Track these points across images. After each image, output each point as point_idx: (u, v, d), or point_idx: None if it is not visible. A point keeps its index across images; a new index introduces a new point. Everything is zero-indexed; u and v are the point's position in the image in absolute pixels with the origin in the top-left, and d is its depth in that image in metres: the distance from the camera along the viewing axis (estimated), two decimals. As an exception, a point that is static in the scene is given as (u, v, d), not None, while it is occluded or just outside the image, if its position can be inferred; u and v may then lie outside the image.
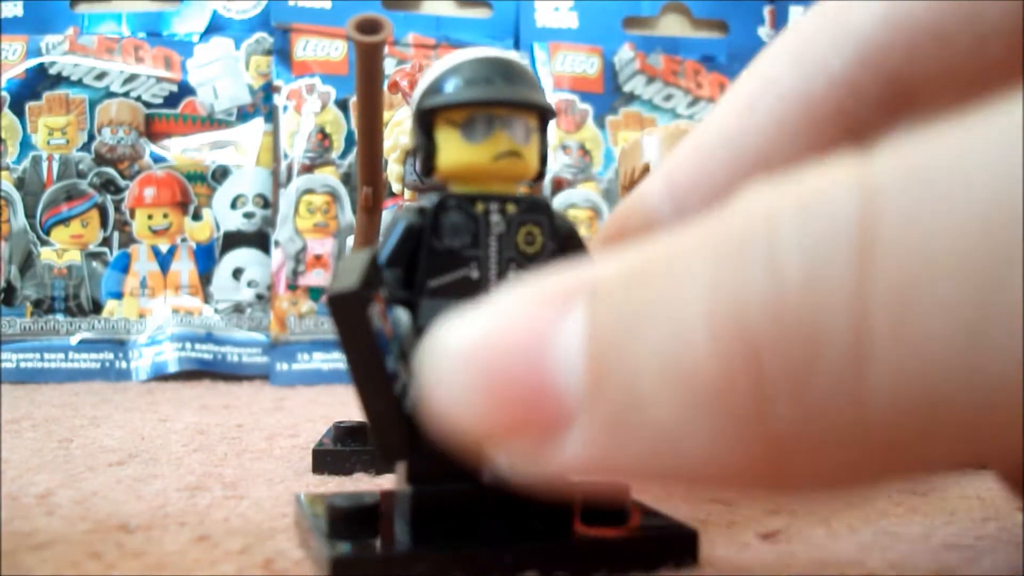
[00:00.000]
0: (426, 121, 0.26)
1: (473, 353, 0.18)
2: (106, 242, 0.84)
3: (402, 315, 0.24)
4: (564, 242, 0.26)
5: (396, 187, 0.43)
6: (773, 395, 0.14)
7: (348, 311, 0.22)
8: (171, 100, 0.87)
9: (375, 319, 0.22)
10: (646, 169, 0.43)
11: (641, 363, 0.15)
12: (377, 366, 0.22)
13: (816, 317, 0.13)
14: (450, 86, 0.25)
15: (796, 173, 0.15)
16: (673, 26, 0.99)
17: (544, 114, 0.26)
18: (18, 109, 0.84)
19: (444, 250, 0.25)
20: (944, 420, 0.13)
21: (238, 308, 0.84)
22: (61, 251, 0.83)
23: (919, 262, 0.13)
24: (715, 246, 0.15)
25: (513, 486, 0.22)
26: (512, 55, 0.26)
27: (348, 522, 0.25)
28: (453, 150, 0.25)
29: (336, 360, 0.82)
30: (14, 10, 0.89)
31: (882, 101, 0.22)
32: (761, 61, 0.25)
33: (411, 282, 0.25)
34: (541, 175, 0.27)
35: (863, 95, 0.23)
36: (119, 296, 0.83)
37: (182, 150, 0.86)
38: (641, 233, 0.25)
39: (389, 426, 0.23)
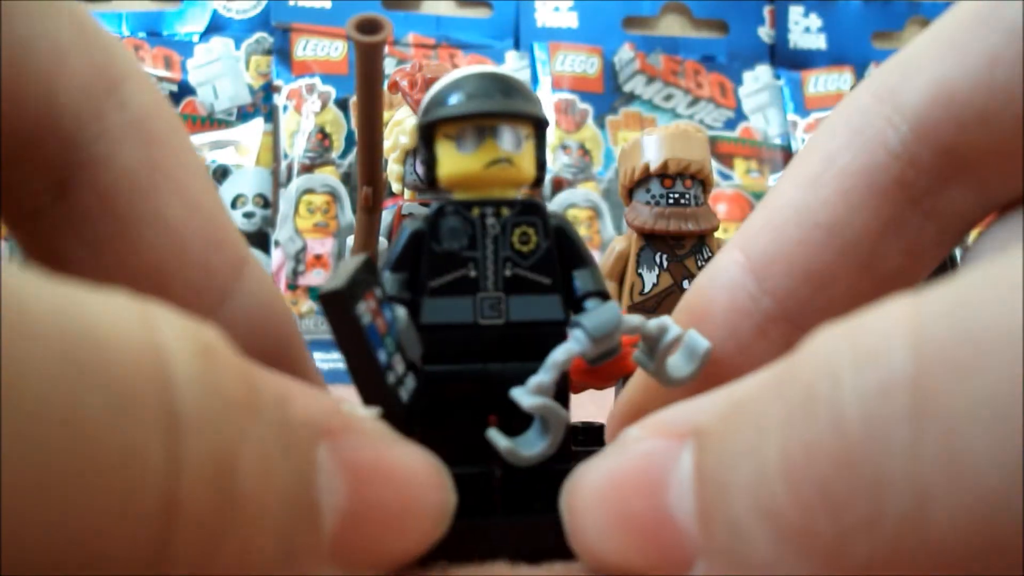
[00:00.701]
0: (427, 136, 0.28)
1: (603, 494, 0.21)
2: (106, 242, 0.84)
3: (400, 312, 0.26)
4: (557, 239, 0.28)
5: (396, 187, 0.43)
6: (851, 533, 0.16)
7: (336, 308, 0.24)
8: (171, 100, 0.87)
9: (364, 316, 0.24)
10: (646, 169, 0.43)
11: (739, 506, 0.17)
12: (368, 358, 0.25)
13: (879, 467, 0.15)
14: (446, 102, 0.28)
15: (854, 318, 0.17)
16: (673, 26, 0.99)
17: (537, 122, 0.28)
18: (18, 109, 0.84)
19: (443, 252, 0.28)
20: (1000, 544, 0.15)
21: (238, 308, 0.84)
22: (61, 251, 0.83)
23: (965, 414, 0.15)
24: (788, 399, 0.17)
25: (520, 469, 0.25)
26: (503, 70, 0.29)
27: None
28: (449, 161, 0.28)
29: (336, 360, 0.81)
30: (14, 10, 0.89)
31: (938, 171, 0.24)
32: (820, 137, 0.27)
33: (415, 284, 0.28)
34: (540, 180, 0.29)
35: (920, 166, 0.24)
36: (119, 296, 0.83)
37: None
38: (725, 304, 0.28)
39: (384, 415, 0.26)
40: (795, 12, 1.00)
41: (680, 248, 0.43)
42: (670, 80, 0.94)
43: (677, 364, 0.28)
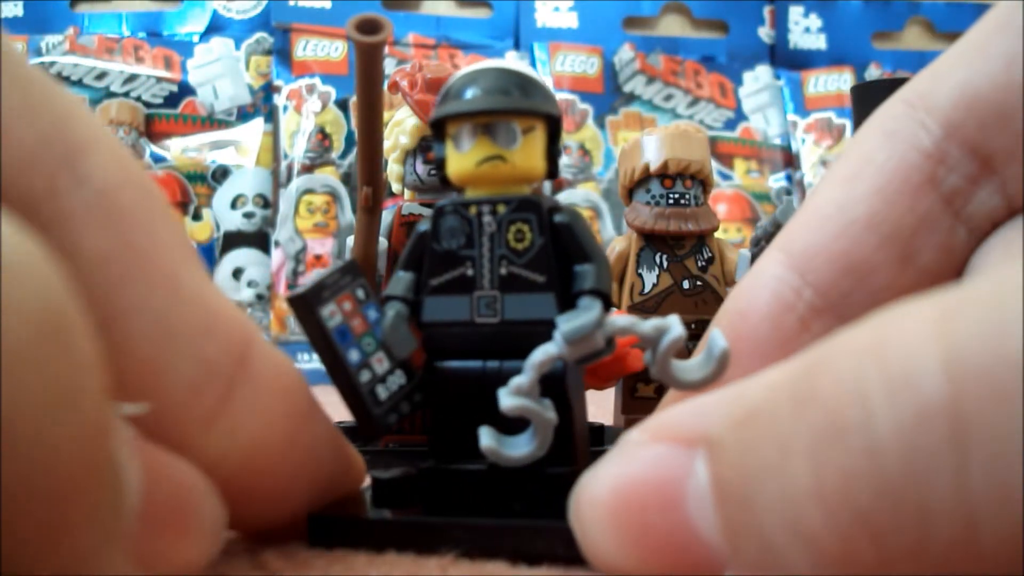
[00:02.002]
0: (439, 135, 0.28)
1: (615, 505, 0.20)
2: (106, 242, 0.84)
3: (389, 312, 0.27)
4: (557, 235, 0.27)
5: (396, 187, 0.43)
6: (896, 558, 0.16)
7: (301, 311, 0.26)
8: (171, 100, 0.87)
9: (332, 318, 0.26)
10: (646, 169, 0.43)
11: (768, 524, 0.17)
12: (335, 357, 0.26)
13: (924, 496, 0.15)
14: (445, 101, 0.28)
15: (874, 333, 0.17)
16: (673, 26, 0.99)
17: (544, 116, 0.28)
18: (18, 109, 0.84)
19: (442, 252, 0.28)
20: None
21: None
22: (61, 251, 0.83)
23: (1009, 436, 0.14)
24: (812, 421, 0.17)
25: (517, 469, 0.25)
26: (511, 65, 0.28)
27: (389, 492, 0.27)
28: (451, 160, 0.28)
29: (336, 360, 0.82)
30: (14, 10, 0.89)
31: (967, 171, 0.25)
32: (856, 143, 0.28)
33: (418, 282, 0.28)
34: (552, 173, 0.28)
35: (951, 165, 0.25)
36: (119, 296, 0.83)
37: (182, 150, 0.86)
38: (769, 300, 0.28)
39: (355, 407, 0.27)
40: (795, 12, 1.00)
41: (680, 248, 0.43)
42: (670, 80, 0.94)
43: (690, 366, 0.27)
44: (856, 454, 0.16)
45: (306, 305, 0.26)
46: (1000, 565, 0.15)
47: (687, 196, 0.43)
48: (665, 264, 0.43)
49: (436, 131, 0.28)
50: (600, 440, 0.42)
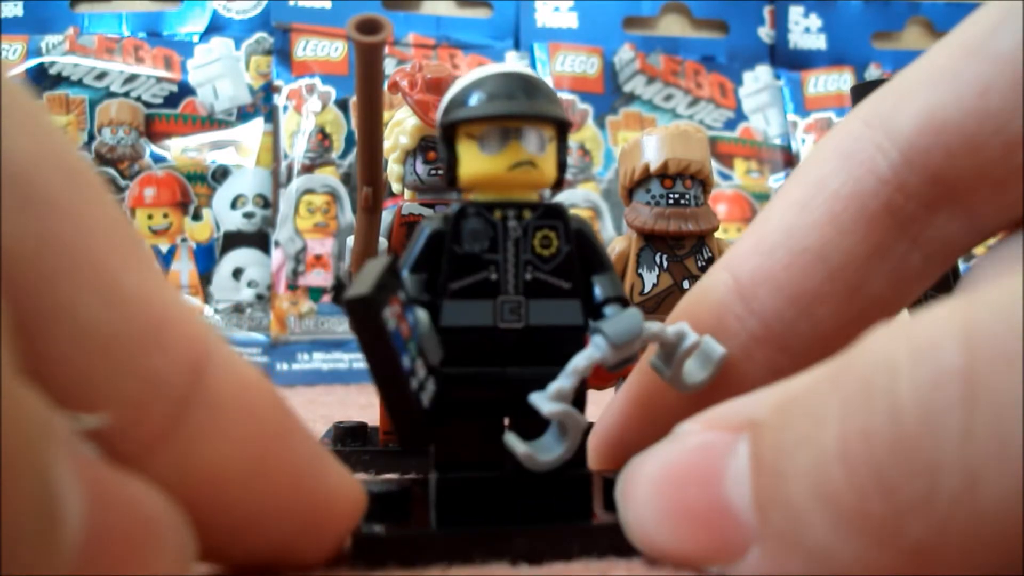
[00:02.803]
0: (448, 135, 0.28)
1: (660, 485, 0.22)
2: (106, 242, 0.84)
3: (422, 316, 0.26)
4: (579, 244, 0.28)
5: (396, 187, 0.43)
6: (904, 513, 0.17)
7: (364, 314, 0.23)
8: (171, 100, 0.87)
9: (390, 321, 0.24)
10: (646, 169, 0.43)
11: (796, 492, 0.18)
12: (394, 365, 0.24)
13: (933, 451, 0.16)
14: (469, 102, 0.27)
15: (911, 318, 0.18)
16: (673, 26, 0.99)
17: (560, 124, 0.28)
18: (18, 109, 0.84)
19: (464, 255, 0.27)
20: None
21: (238, 308, 0.84)
22: (61, 251, 0.83)
23: (1014, 400, 0.16)
24: (844, 390, 0.18)
25: (533, 473, 0.25)
26: (528, 70, 0.28)
27: (381, 506, 0.26)
28: (472, 161, 0.27)
29: (336, 360, 0.81)
30: (14, 10, 0.89)
31: (927, 198, 0.25)
32: (810, 163, 0.27)
33: (434, 285, 0.27)
34: (560, 182, 0.29)
35: (909, 193, 0.25)
36: (119, 296, 0.83)
37: (182, 150, 0.86)
38: (711, 325, 0.28)
39: (407, 420, 0.25)
40: (795, 12, 1.00)
41: (680, 248, 0.43)
42: (670, 80, 0.94)
43: (691, 370, 0.28)
44: (879, 415, 0.17)
45: (371, 307, 0.23)
46: (1000, 526, 0.16)
47: (687, 196, 0.43)
48: (665, 264, 0.43)
49: (449, 130, 0.28)
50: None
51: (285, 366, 0.80)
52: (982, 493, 0.16)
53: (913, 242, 0.25)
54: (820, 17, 1.00)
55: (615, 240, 0.44)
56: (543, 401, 0.25)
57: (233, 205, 0.86)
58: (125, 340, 0.18)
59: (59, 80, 0.85)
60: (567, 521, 0.26)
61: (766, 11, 1.00)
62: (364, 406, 0.65)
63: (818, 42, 1.00)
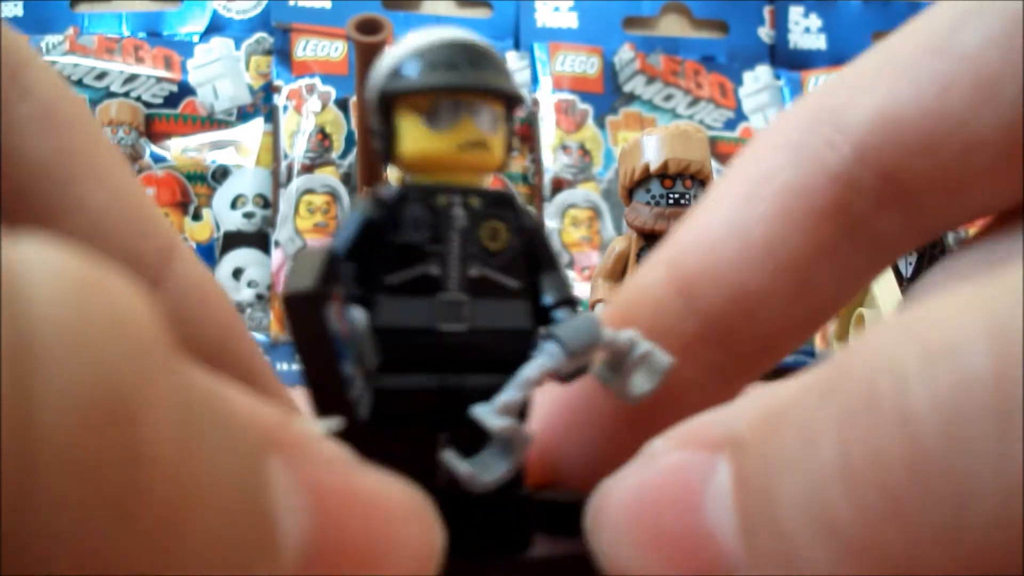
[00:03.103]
0: (386, 106, 0.24)
1: (633, 511, 0.19)
2: (106, 242, 0.84)
3: (359, 315, 0.22)
4: (530, 239, 0.25)
5: None
6: (925, 546, 0.14)
7: (305, 313, 0.20)
8: (171, 100, 0.87)
9: (332, 321, 0.21)
10: (646, 169, 0.43)
11: (787, 516, 0.16)
12: (333, 371, 0.21)
13: (961, 471, 0.14)
14: (413, 70, 0.24)
15: (916, 311, 0.15)
16: (673, 26, 0.99)
17: (511, 101, 0.25)
18: (18, 109, 0.84)
19: (403, 245, 0.23)
20: None
21: (238, 308, 0.84)
22: (61, 251, 0.83)
23: None
24: (843, 400, 0.15)
25: (468, 494, 0.22)
26: (478, 38, 0.25)
27: None
28: (416, 138, 0.24)
29: (336, 360, 0.82)
30: (14, 10, 0.89)
31: (880, 196, 0.23)
32: (753, 155, 0.25)
33: (366, 277, 0.23)
34: (504, 165, 0.26)
35: (861, 190, 0.23)
36: (119, 296, 0.83)
37: (182, 150, 0.86)
38: (649, 323, 0.25)
39: (342, 434, 0.21)
40: (795, 12, 1.00)
41: (680, 248, 0.43)
42: (670, 80, 0.94)
43: (637, 380, 0.25)
44: (888, 426, 0.15)
45: (313, 304, 0.20)
46: None
47: (687, 196, 0.43)
48: (665, 264, 0.43)
49: (389, 100, 0.24)
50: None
51: (285, 366, 0.80)
52: (1021, 512, 0.14)
53: (860, 240, 0.24)
54: (820, 17, 1.00)
55: (615, 240, 0.44)
56: (489, 415, 0.22)
57: (233, 205, 0.86)
58: (123, 227, 0.23)
59: (59, 80, 0.85)
60: (505, 549, 0.24)
61: (766, 11, 1.00)
62: (364, 406, 0.65)
63: (818, 42, 1.00)
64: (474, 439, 0.23)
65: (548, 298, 0.25)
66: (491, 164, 0.25)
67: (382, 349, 0.23)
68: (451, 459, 0.22)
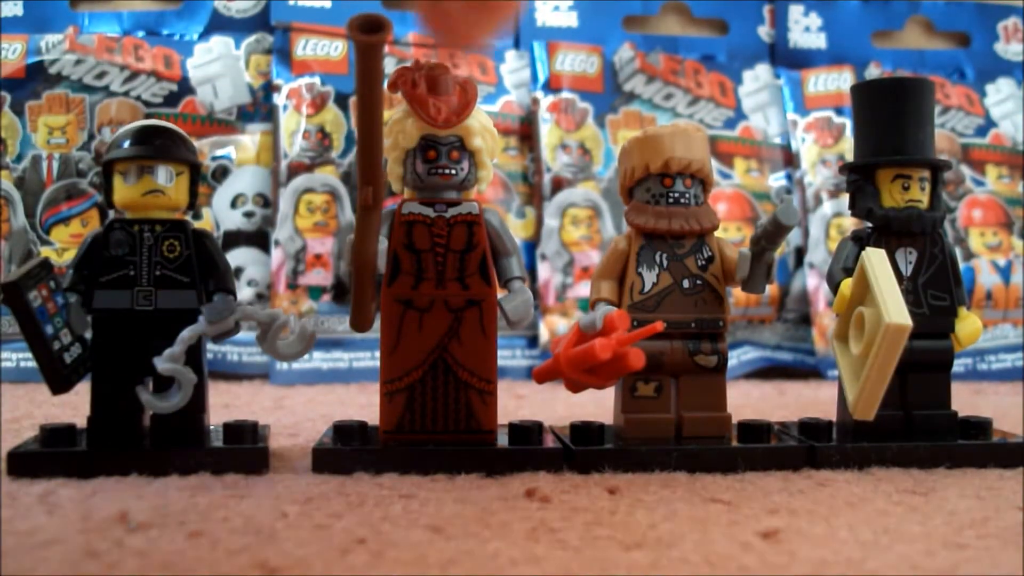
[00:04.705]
0: (107, 170, 0.41)
1: None
2: (106, 241, 0.84)
3: (72, 299, 0.39)
4: (198, 250, 0.41)
5: (396, 186, 0.43)
6: None
7: (12, 294, 0.36)
8: (171, 99, 0.87)
9: (36, 300, 0.37)
10: (646, 168, 0.43)
11: None
12: (37, 331, 0.37)
13: None
14: (119, 146, 0.40)
15: None
16: (673, 25, 0.99)
17: (189, 164, 0.41)
18: (18, 108, 0.84)
19: (111, 257, 0.40)
20: None
21: (238, 307, 0.84)
22: (61, 250, 0.83)
23: None
24: None
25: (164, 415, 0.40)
26: (166, 123, 0.42)
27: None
28: (119, 190, 0.41)
29: (336, 360, 0.81)
30: (14, 9, 0.89)
31: None
32: None
33: (91, 278, 0.40)
34: (191, 205, 0.42)
35: None
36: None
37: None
38: None
39: (50, 371, 0.38)
40: (795, 11, 1.00)
41: (680, 247, 0.43)
42: (670, 79, 0.94)
43: (287, 344, 0.41)
44: None
45: (18, 289, 0.37)
46: None
47: (687, 195, 0.43)
48: (665, 263, 0.43)
49: (106, 166, 0.40)
50: (600, 440, 0.42)
51: (285, 365, 0.80)
52: None
53: None
54: (820, 16, 1.00)
55: (615, 239, 0.44)
56: (159, 362, 0.39)
57: (233, 204, 0.86)
58: None
59: (59, 79, 0.85)
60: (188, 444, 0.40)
61: (766, 10, 1.00)
62: (364, 405, 0.65)
63: (818, 41, 1.00)
64: (170, 382, 0.40)
65: (209, 287, 0.41)
66: (169, 204, 0.41)
67: (100, 322, 0.40)
68: (140, 391, 0.40)
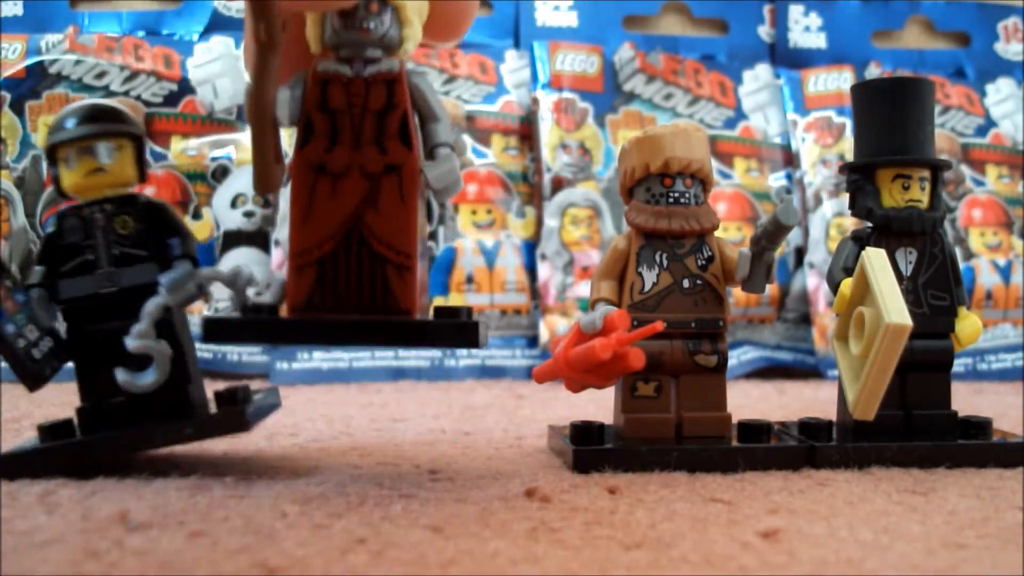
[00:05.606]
0: (52, 160, 0.40)
1: None
2: (106, 241, 0.84)
3: (33, 294, 0.39)
4: (150, 219, 0.39)
5: (314, 47, 0.39)
6: None
7: None
8: (171, 99, 0.87)
9: None
10: (646, 168, 0.43)
11: None
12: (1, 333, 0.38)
13: None
14: (56, 131, 0.39)
15: None
16: (673, 25, 0.99)
17: (132, 136, 0.40)
18: (18, 108, 0.84)
19: (66, 245, 0.40)
20: None
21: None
22: (61, 250, 0.83)
23: None
24: None
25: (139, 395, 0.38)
26: (98, 101, 0.42)
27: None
28: (64, 176, 0.40)
29: (336, 359, 0.81)
30: (14, 9, 0.89)
31: None
32: None
33: (52, 271, 0.39)
34: (141, 178, 0.40)
35: None
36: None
37: (182, 149, 0.86)
38: None
39: (19, 367, 0.38)
40: (795, 11, 1.00)
41: (680, 247, 0.43)
42: (670, 79, 0.94)
43: (263, 299, 0.38)
44: None
45: None
46: None
47: (687, 195, 0.43)
48: (665, 263, 0.43)
49: (50, 158, 0.39)
50: (600, 439, 0.42)
51: (285, 365, 0.80)
52: None
53: None
54: (820, 16, 1.00)
55: (615, 239, 0.44)
56: (129, 340, 0.37)
57: (233, 204, 0.86)
58: None
59: (59, 79, 0.85)
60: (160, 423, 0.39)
61: (766, 10, 1.00)
62: (364, 404, 0.65)
63: (818, 41, 1.00)
64: (145, 359, 0.38)
65: (172, 253, 0.39)
66: (114, 181, 0.40)
67: (69, 312, 0.40)
68: (118, 373, 0.38)
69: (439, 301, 0.84)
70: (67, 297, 0.39)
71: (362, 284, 0.37)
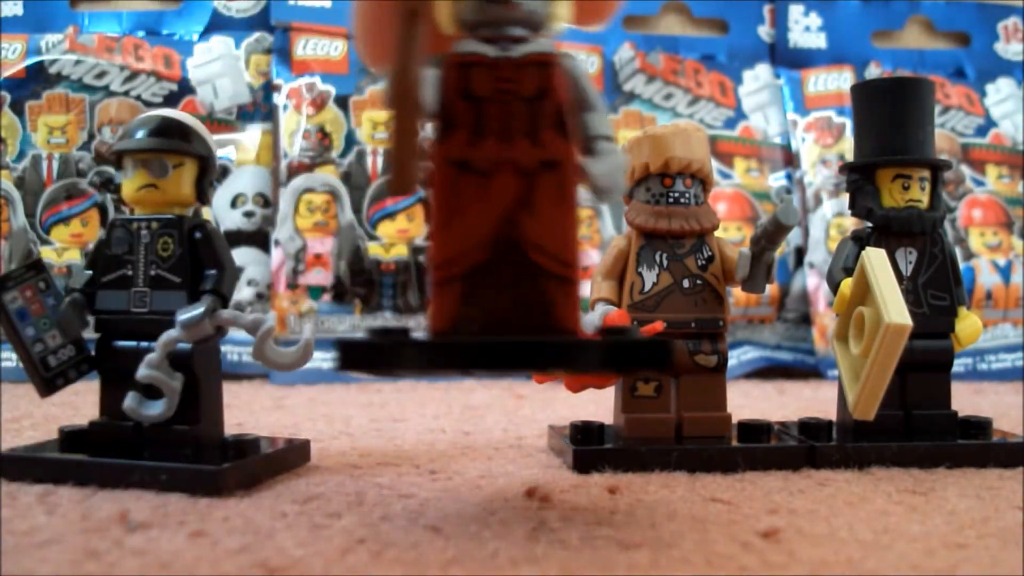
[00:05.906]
0: (118, 164, 0.39)
1: None
2: (106, 241, 0.84)
3: (66, 300, 0.39)
4: (192, 245, 0.38)
5: (448, 27, 0.32)
6: None
7: None
8: (171, 99, 0.87)
9: (16, 302, 0.38)
10: (646, 168, 0.43)
11: None
12: (14, 332, 0.38)
13: None
14: (125, 137, 0.39)
15: None
16: (673, 25, 0.99)
17: (198, 157, 0.39)
18: (18, 108, 0.84)
19: (111, 256, 0.39)
20: None
21: (238, 307, 0.84)
22: (61, 250, 0.83)
23: None
24: None
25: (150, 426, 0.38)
26: (176, 113, 0.40)
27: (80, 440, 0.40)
28: (124, 184, 0.39)
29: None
30: (14, 9, 0.89)
31: None
32: None
33: (96, 279, 0.39)
34: (200, 198, 0.40)
35: None
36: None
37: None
38: None
39: (32, 372, 0.38)
40: (795, 11, 1.00)
41: (680, 247, 0.43)
42: (670, 79, 0.94)
43: (285, 352, 0.38)
44: None
45: None
46: None
47: (687, 195, 0.43)
48: (665, 263, 0.43)
49: (117, 162, 0.39)
50: (600, 439, 0.42)
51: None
52: None
53: None
54: (820, 16, 1.00)
55: (615, 239, 0.44)
56: (141, 368, 0.36)
57: (233, 204, 0.86)
58: None
59: (59, 79, 0.85)
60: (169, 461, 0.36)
61: (766, 10, 1.00)
62: (364, 404, 0.65)
63: (818, 41, 1.00)
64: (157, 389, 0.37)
65: (204, 286, 0.38)
66: (164, 199, 0.39)
67: (102, 324, 0.39)
68: (128, 397, 0.37)
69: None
70: (101, 308, 0.39)
71: (516, 300, 0.30)
